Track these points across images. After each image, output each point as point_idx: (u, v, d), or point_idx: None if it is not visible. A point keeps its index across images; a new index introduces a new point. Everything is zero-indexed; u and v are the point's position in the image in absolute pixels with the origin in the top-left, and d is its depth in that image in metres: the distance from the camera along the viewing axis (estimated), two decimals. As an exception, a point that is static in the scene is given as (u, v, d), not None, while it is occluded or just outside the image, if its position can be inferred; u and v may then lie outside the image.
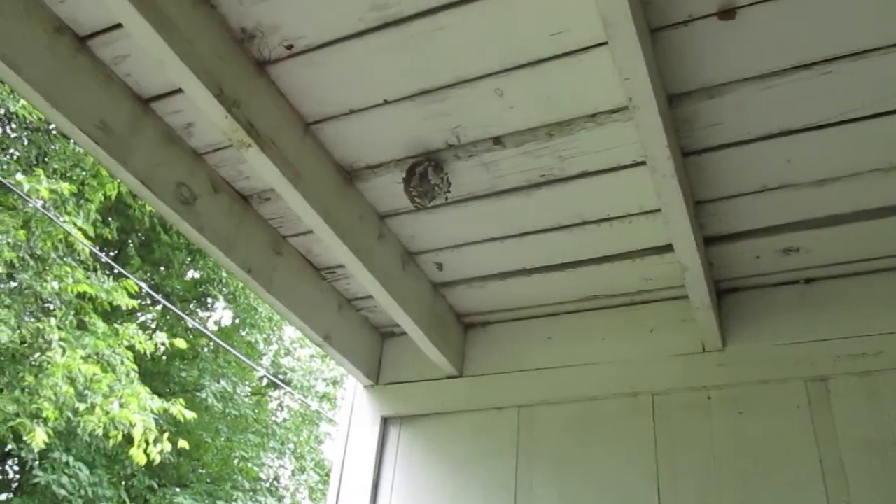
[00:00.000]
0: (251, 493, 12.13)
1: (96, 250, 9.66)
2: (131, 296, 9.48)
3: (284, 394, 14.50)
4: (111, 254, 12.08)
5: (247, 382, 14.02)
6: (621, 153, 1.94)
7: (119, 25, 1.70)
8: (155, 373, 11.92)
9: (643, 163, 1.93)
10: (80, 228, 9.11)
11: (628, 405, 2.37)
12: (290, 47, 1.75)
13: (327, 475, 13.99)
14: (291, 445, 13.88)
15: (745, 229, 2.17)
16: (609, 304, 2.52)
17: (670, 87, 1.75)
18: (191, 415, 8.99)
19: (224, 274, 12.18)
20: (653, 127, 1.61)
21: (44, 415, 8.19)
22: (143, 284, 9.29)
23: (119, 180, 1.78)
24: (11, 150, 10.22)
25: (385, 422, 2.66)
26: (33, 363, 8.69)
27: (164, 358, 12.58)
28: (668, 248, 2.24)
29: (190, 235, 2.04)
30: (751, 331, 2.33)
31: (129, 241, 12.23)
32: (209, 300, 13.32)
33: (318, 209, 1.92)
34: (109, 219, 11.01)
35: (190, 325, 12.03)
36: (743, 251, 2.24)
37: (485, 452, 2.48)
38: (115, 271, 10.65)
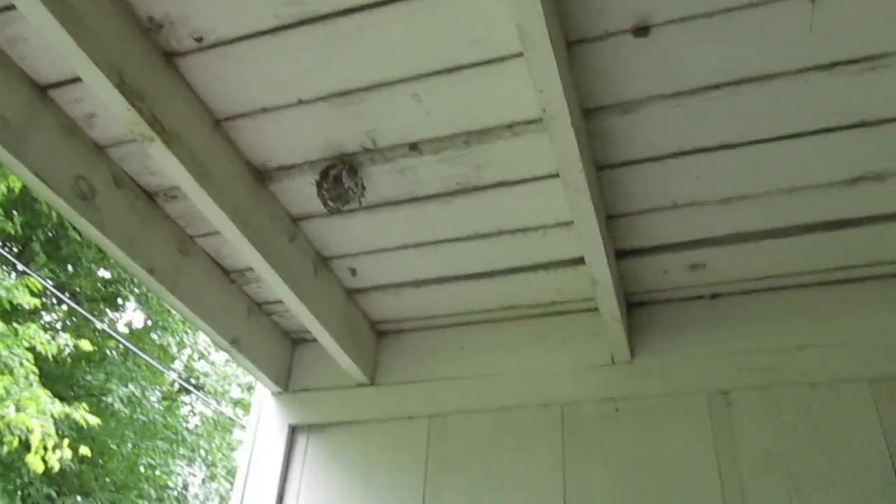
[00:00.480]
0: (157, 502, 11.70)
1: (-3, 245, 9.16)
2: (34, 294, 9.02)
3: (197, 399, 14.08)
4: (14, 250, 11.49)
5: (157, 387, 13.55)
6: (537, 164, 1.94)
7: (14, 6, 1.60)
8: (58, 376, 11.37)
9: (558, 175, 1.95)
10: (-21, 222, 8.63)
11: (539, 416, 2.38)
12: (199, 40, 1.68)
13: (239, 483, 13.63)
14: (202, 452, 13.48)
15: (655, 244, 2.21)
16: (522, 315, 2.53)
17: (586, 101, 1.77)
18: (94, 420, 8.60)
19: (136, 274, 11.73)
20: (566, 139, 1.62)
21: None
22: (46, 282, 8.83)
23: (11, 174, 1.65)
24: None
25: (293, 430, 2.59)
26: (-79, 365, 8.18)
27: (69, 361, 12.03)
28: (580, 260, 2.26)
29: (88, 233, 1.93)
30: (658, 344, 2.37)
31: (35, 238, 11.66)
32: (119, 301, 12.81)
33: (225, 209, 1.85)
34: (14, 212, 10.48)
35: (98, 327, 11.54)
36: (652, 266, 2.28)
37: (394, 462, 2.44)
38: (19, 268, 10.14)
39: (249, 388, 14.25)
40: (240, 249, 1.98)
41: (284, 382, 2.66)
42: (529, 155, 1.92)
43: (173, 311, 12.17)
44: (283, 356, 2.68)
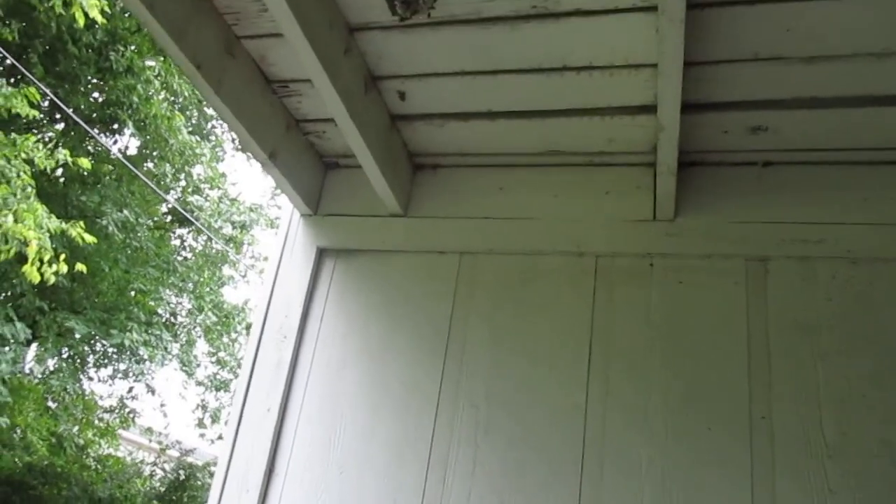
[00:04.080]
0: (146, 326, 11.98)
1: (-5, 50, 8.80)
2: (32, 105, 8.77)
3: (189, 231, 14.14)
4: (8, 62, 11.07)
5: (149, 217, 13.54)
6: (623, -6, 1.82)
7: None
8: (51, 194, 11.28)
9: (643, 9, 1.83)
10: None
11: (571, 263, 2.36)
12: None
13: (226, 317, 13.96)
14: (191, 285, 13.69)
15: (722, 100, 2.12)
16: (566, 163, 2.46)
17: (690, -74, 1.63)
18: (90, 238, 8.61)
19: (136, 99, 11.43)
20: (675, -40, 1.49)
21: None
22: (47, 91, 8.57)
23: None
24: None
25: (321, 253, 2.57)
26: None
27: (62, 181, 11.91)
28: (641, 109, 2.19)
29: (136, 12, 1.81)
30: (702, 205, 2.33)
31: (32, 49, 11.21)
32: (116, 125, 12.53)
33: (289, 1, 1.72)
34: (10, 20, 10.02)
35: (94, 148, 11.35)
36: (713, 123, 2.20)
37: (422, 294, 2.44)
38: (12, 79, 9.81)
39: (242, 227, 14.31)
40: (298, 51, 1.87)
41: (315, 205, 2.61)
42: (615, -17, 1.80)
43: (178, 141, 12.03)
44: (315, 178, 2.62)
